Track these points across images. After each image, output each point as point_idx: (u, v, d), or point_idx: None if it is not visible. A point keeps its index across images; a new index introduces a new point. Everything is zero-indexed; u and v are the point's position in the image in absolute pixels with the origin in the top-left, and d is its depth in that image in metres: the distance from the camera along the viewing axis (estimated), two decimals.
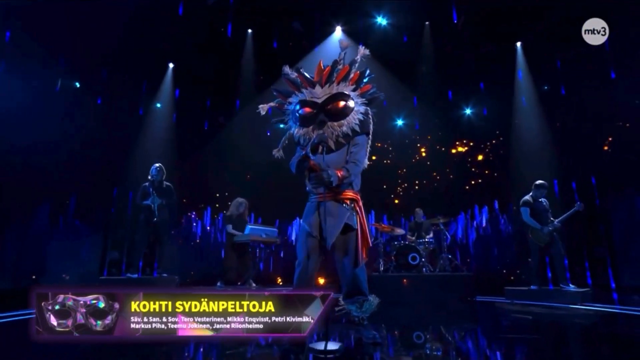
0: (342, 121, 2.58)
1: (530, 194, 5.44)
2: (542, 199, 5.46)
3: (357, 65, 2.70)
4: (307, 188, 2.89)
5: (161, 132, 8.32)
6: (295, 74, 2.72)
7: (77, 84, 7.50)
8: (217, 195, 9.19)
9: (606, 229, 7.13)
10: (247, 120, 9.13)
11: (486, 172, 8.49)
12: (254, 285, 5.76)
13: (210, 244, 8.65)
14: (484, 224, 8.03)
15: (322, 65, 2.73)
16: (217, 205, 9.13)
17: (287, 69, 2.75)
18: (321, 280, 7.58)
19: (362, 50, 2.69)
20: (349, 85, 2.67)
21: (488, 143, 7.52)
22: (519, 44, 7.45)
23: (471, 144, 7.79)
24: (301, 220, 2.78)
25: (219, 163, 8.98)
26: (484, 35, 7.15)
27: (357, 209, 2.69)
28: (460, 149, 7.59)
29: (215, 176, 9.22)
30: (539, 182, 5.46)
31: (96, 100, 7.59)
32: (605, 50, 6.88)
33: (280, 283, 7.76)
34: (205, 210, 8.77)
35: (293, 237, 8.71)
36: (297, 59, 8.01)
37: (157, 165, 5.37)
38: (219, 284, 5.79)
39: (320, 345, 2.34)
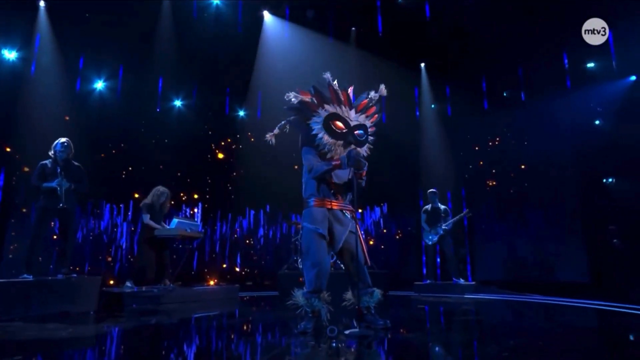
0: (359, 149, 3.47)
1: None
2: (439, 205, 7.27)
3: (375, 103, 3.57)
4: (308, 192, 3.55)
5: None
6: (339, 89, 3.37)
7: None
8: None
9: (469, 232, 9.65)
10: (131, 91, 8.58)
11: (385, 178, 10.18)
12: (170, 285, 5.81)
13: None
14: (393, 225, 9.78)
15: (351, 92, 3.51)
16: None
17: (329, 78, 3.36)
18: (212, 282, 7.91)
19: (383, 90, 3.52)
20: (370, 122, 3.58)
21: (395, 152, 9.18)
22: (422, 64, 9.31)
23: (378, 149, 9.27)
24: (307, 224, 3.39)
25: (90, 139, 8.16)
26: (394, 51, 8.65)
27: (355, 218, 3.56)
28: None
29: (87, 153, 8.34)
30: (429, 190, 7.36)
31: None
32: (483, 84, 9.40)
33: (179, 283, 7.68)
34: None
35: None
36: (218, 37, 8.04)
37: (63, 140, 4.86)
38: (128, 284, 5.64)
39: (356, 332, 3.10)
